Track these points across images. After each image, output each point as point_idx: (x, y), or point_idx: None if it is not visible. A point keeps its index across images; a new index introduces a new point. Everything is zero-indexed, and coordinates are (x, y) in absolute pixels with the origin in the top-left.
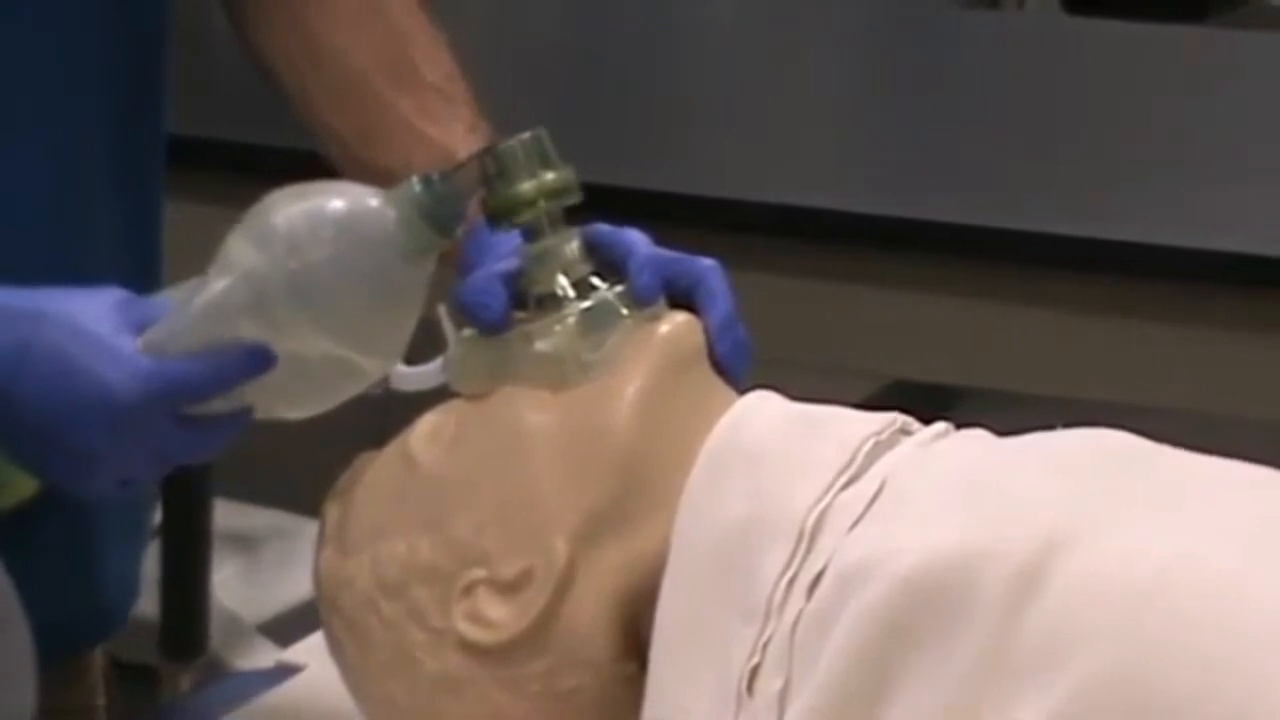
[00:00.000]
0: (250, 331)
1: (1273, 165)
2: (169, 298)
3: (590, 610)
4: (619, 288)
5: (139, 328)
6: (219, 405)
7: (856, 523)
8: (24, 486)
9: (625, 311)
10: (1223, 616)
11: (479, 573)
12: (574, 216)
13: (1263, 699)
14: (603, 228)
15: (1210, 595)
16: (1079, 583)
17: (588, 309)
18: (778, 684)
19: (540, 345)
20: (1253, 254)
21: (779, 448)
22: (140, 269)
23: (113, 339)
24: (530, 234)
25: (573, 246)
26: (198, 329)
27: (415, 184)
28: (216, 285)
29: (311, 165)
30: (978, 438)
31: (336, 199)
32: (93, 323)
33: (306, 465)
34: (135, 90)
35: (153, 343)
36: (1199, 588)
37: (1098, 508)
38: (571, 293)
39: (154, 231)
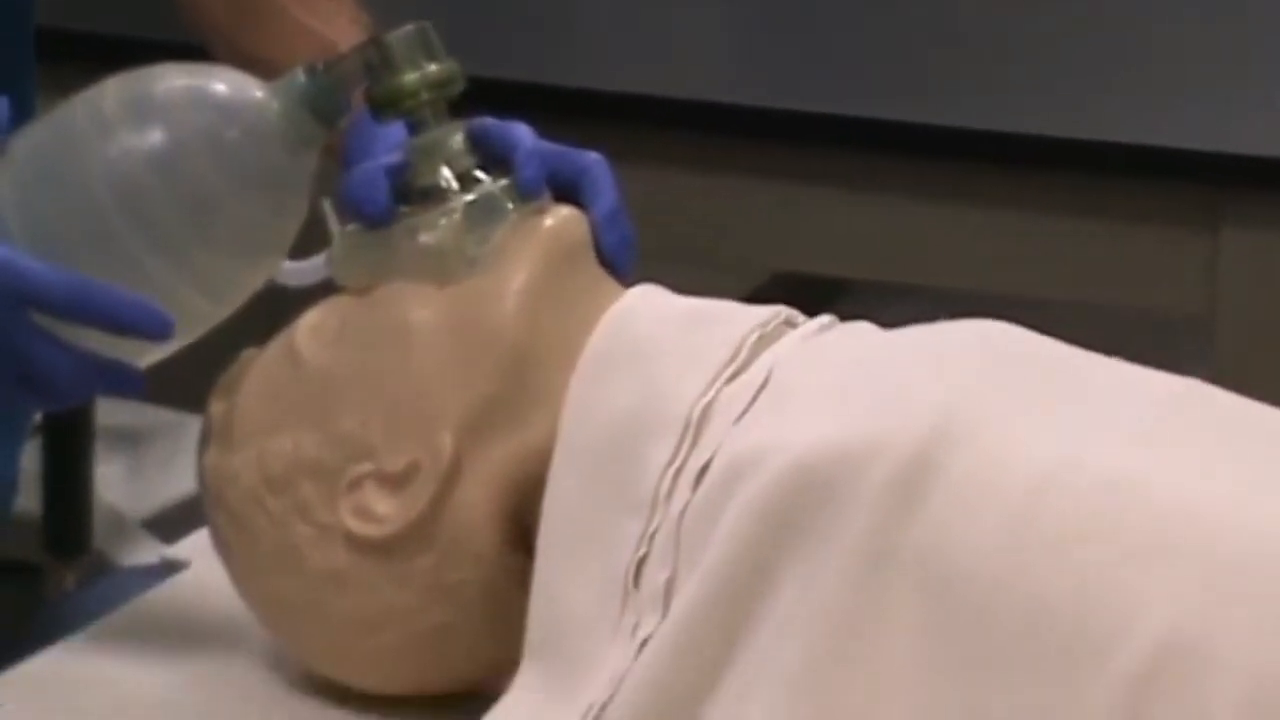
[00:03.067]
0: (120, 225)
1: (1163, 55)
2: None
3: (476, 503)
4: (503, 181)
5: None
6: (95, 344)
7: (742, 415)
8: None
9: (510, 205)
10: (1104, 525)
11: (365, 467)
12: (460, 111)
13: (1141, 611)
14: (488, 121)
15: (1092, 503)
16: (962, 487)
17: (472, 202)
18: (664, 575)
19: (424, 238)
20: (1142, 144)
21: (664, 341)
22: None
23: None
24: (414, 127)
25: (457, 139)
26: (59, 200)
27: (299, 74)
28: (84, 153)
29: (190, 58)
30: (862, 330)
31: (220, 83)
32: None
33: (190, 362)
34: None
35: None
36: (1080, 492)
37: (983, 402)
38: (456, 186)
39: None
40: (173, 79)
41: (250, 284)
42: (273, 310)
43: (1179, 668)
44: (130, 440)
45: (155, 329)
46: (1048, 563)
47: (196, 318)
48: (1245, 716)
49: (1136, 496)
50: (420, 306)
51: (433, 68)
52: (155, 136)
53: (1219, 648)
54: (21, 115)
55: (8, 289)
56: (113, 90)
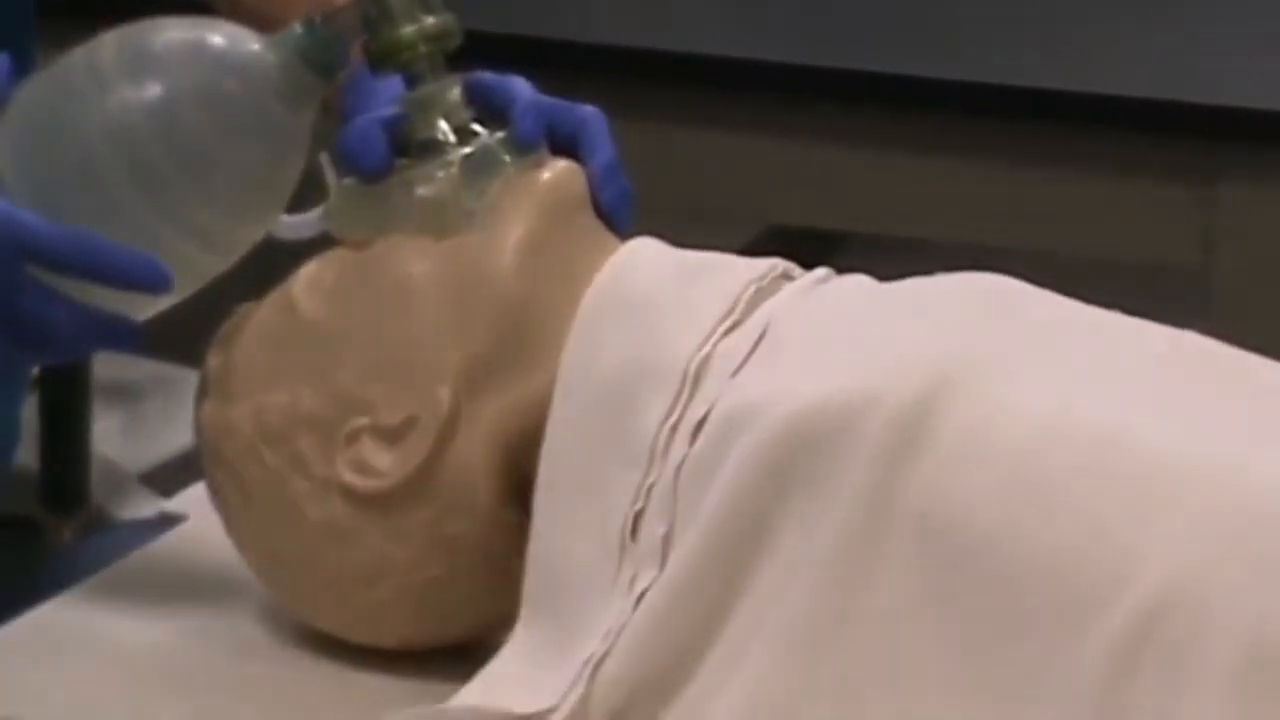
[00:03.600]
0: (118, 179)
1: (1161, 8)
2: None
3: (474, 457)
4: (500, 134)
5: None
6: (93, 298)
7: (739, 368)
8: None
9: (507, 158)
10: (1100, 478)
11: (362, 421)
12: (456, 65)
13: (1137, 563)
14: (486, 75)
15: (1088, 456)
16: (958, 439)
17: (469, 155)
18: (661, 529)
19: (422, 191)
20: (1140, 97)
21: (661, 294)
22: None
23: None
24: (411, 80)
25: (455, 92)
26: (56, 154)
27: (297, 27)
28: (82, 107)
29: (189, 13)
30: (859, 283)
31: (218, 36)
32: None
33: (188, 315)
34: None
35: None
36: (1077, 446)
37: (980, 354)
38: (453, 139)
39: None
40: (170, 33)
41: (248, 237)
42: (270, 264)
43: (1175, 620)
44: (128, 394)
45: (155, 282)
46: (1044, 515)
47: (194, 271)
48: (1241, 669)
49: (1133, 449)
50: (418, 260)
51: (430, 21)
52: (153, 90)
53: (1215, 601)
54: (21, 71)
55: (5, 241)
56: (111, 44)
